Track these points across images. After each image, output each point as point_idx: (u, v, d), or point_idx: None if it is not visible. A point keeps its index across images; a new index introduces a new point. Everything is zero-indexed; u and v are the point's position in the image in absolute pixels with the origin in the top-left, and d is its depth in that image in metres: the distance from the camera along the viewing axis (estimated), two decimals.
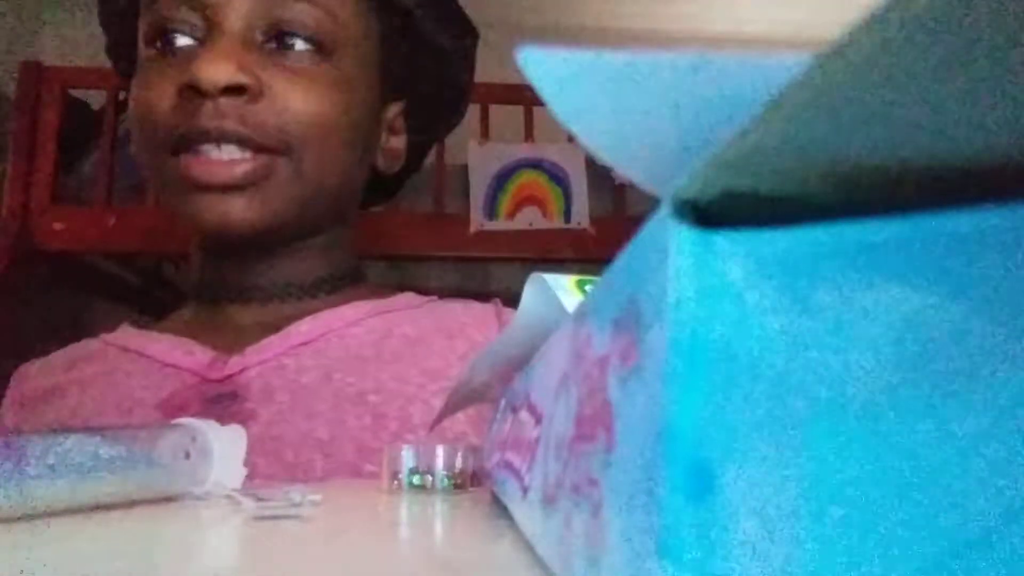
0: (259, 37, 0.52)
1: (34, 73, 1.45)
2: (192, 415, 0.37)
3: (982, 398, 0.09)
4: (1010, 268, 0.09)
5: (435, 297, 0.62)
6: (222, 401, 0.51)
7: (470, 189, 1.50)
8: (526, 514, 0.20)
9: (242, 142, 0.50)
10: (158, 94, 0.52)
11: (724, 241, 0.09)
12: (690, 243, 0.10)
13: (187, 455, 0.33)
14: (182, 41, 0.52)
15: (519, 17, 1.90)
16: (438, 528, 0.28)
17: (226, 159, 0.50)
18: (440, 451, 0.36)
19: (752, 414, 0.09)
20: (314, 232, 0.57)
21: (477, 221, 1.48)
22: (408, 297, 0.61)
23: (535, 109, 1.52)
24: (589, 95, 0.10)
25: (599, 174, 1.48)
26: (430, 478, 0.36)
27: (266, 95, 0.51)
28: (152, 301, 1.78)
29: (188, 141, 0.51)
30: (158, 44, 0.53)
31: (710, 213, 0.10)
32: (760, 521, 0.09)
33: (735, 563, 0.09)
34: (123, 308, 1.74)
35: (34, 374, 0.60)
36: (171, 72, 0.52)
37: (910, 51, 0.07)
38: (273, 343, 0.54)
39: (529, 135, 1.54)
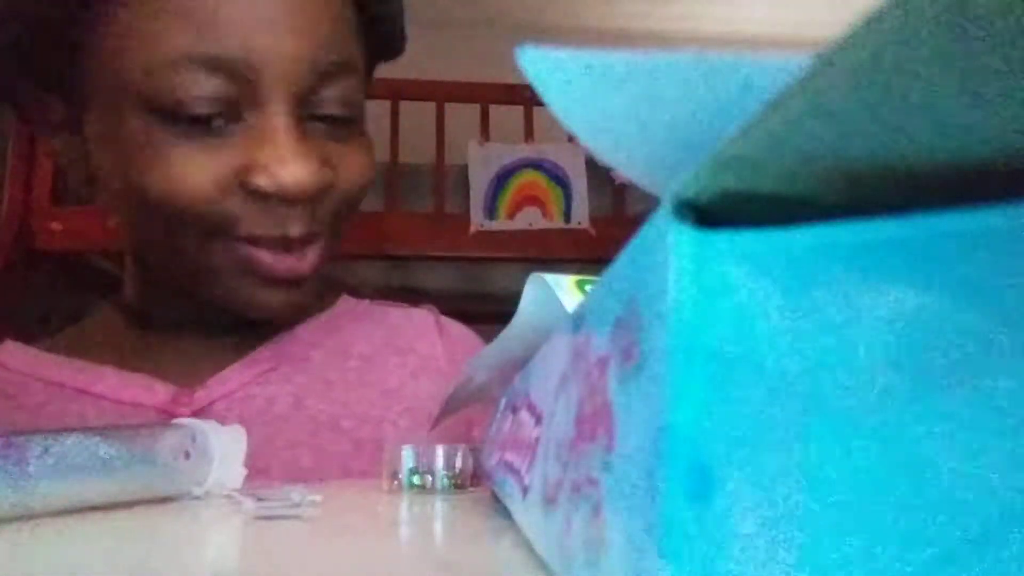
0: (303, 113, 0.45)
1: None
2: None
3: (982, 398, 0.09)
4: (1010, 268, 0.09)
5: (367, 300, 0.61)
6: None
7: (470, 189, 1.50)
8: (526, 514, 0.20)
9: (317, 235, 0.47)
10: (199, 181, 0.43)
11: (724, 241, 0.09)
12: (690, 243, 0.10)
13: (187, 455, 0.33)
14: (213, 118, 0.43)
15: (519, 17, 1.90)
16: (438, 528, 0.28)
17: (297, 257, 0.46)
18: (440, 451, 0.36)
19: (752, 414, 0.09)
20: None
21: (477, 221, 1.48)
22: (347, 303, 0.59)
23: (535, 109, 1.52)
24: (589, 95, 0.10)
25: (599, 174, 1.48)
26: (430, 478, 0.36)
27: (337, 179, 0.46)
28: None
29: (260, 240, 0.45)
30: (174, 117, 0.43)
31: (710, 213, 0.10)
32: (760, 521, 0.09)
33: (735, 563, 0.09)
34: None
35: None
36: (215, 157, 0.43)
37: (910, 51, 0.07)
38: (236, 373, 0.51)
39: (529, 135, 1.54)
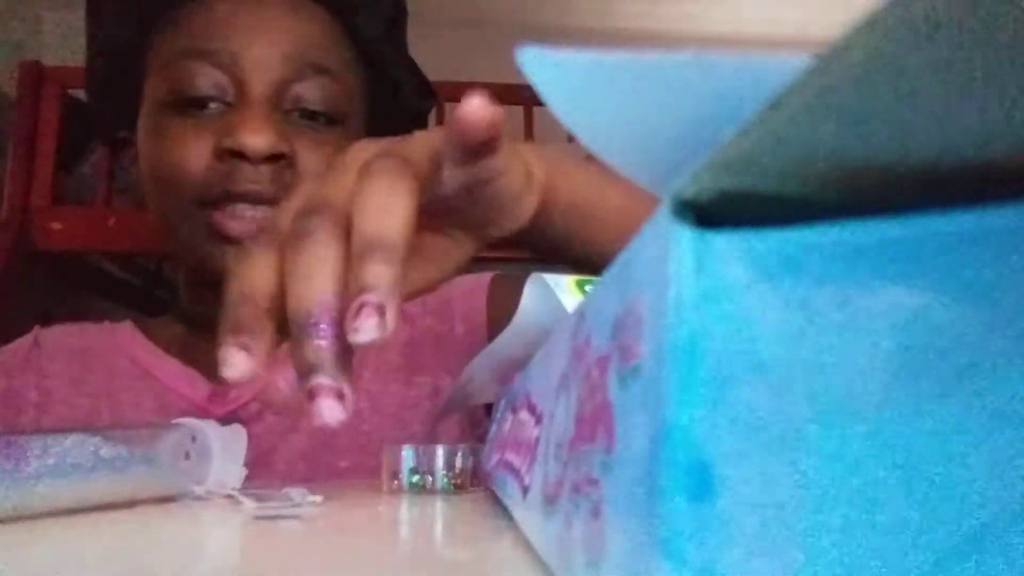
0: (286, 105, 0.55)
1: (34, 73, 1.45)
2: None
3: (982, 398, 0.09)
4: (1010, 268, 0.09)
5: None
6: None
7: None
8: (526, 514, 0.20)
9: (273, 203, 0.54)
10: (191, 153, 0.54)
11: (724, 241, 0.09)
12: (690, 243, 0.10)
13: (187, 455, 0.33)
14: (209, 102, 0.55)
15: (519, 17, 1.90)
16: (438, 528, 0.28)
17: (258, 216, 0.54)
18: (440, 451, 0.36)
19: (752, 414, 0.09)
20: None
21: None
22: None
23: (535, 109, 1.52)
24: (589, 95, 0.10)
25: None
26: (430, 478, 0.36)
27: (296, 161, 0.55)
28: (152, 301, 1.78)
29: (224, 200, 0.54)
30: (180, 103, 0.55)
31: (710, 213, 0.10)
32: (760, 521, 0.09)
33: (735, 563, 0.09)
34: (123, 308, 1.74)
35: (54, 344, 0.63)
36: (202, 133, 0.54)
37: (910, 51, 0.07)
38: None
39: (529, 135, 1.54)
